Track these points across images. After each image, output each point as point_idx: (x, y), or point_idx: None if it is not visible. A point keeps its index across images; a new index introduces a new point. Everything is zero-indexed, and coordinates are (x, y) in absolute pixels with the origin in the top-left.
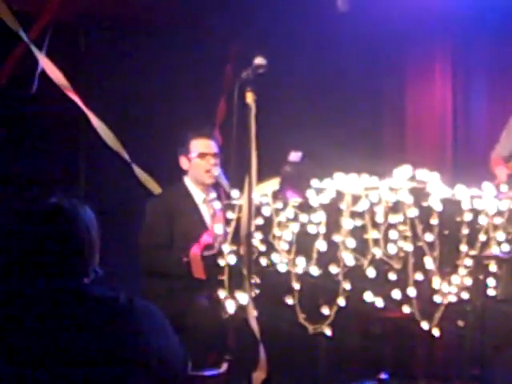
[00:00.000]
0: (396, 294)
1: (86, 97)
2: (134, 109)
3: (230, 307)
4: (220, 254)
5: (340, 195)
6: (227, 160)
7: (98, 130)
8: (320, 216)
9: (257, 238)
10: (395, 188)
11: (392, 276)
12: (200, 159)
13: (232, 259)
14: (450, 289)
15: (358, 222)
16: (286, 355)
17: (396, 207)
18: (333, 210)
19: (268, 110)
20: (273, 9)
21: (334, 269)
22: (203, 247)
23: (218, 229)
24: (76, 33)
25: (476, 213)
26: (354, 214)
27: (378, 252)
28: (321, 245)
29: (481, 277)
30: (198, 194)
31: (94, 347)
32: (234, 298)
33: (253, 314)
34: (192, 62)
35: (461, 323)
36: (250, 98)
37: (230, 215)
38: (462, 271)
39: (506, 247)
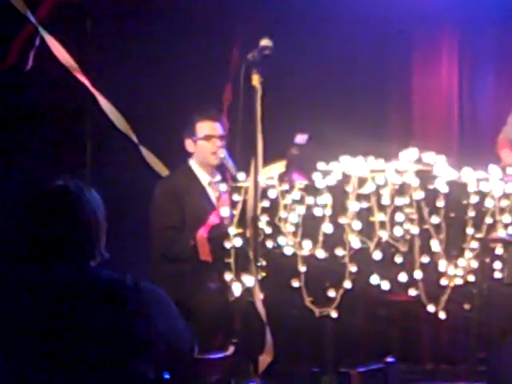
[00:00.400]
0: (402, 276)
1: (93, 78)
2: (140, 92)
3: (237, 290)
4: (226, 236)
5: (346, 178)
6: (233, 142)
7: (106, 111)
8: (326, 198)
9: (263, 220)
10: (401, 170)
11: (398, 259)
12: (206, 141)
13: (238, 242)
14: (456, 271)
15: (364, 205)
16: (293, 338)
17: (402, 190)
18: (339, 193)
19: (274, 92)
20: None
21: (340, 251)
22: (210, 228)
23: (224, 211)
24: (82, 15)
25: (482, 195)
26: (360, 197)
27: (384, 235)
28: (327, 227)
29: (487, 260)
30: (203, 176)
31: (101, 329)
32: (240, 280)
33: (259, 296)
34: (199, 45)
35: (467, 306)
36: (256, 80)
37: (236, 198)
38: (469, 254)
39: None
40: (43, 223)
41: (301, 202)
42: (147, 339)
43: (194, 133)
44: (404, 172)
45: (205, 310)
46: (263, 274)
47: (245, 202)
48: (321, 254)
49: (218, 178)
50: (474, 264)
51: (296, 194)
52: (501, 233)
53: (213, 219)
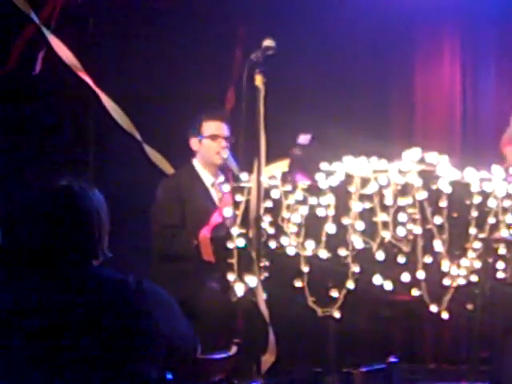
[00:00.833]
0: (405, 276)
1: (96, 77)
2: (143, 91)
3: (239, 290)
4: (229, 236)
5: (349, 178)
6: (236, 143)
7: (109, 110)
8: (329, 199)
9: (266, 220)
10: (404, 171)
11: (401, 259)
12: (211, 141)
13: (241, 242)
14: (459, 272)
15: (367, 205)
16: (295, 338)
17: (405, 190)
18: (342, 193)
19: (277, 93)
20: None
21: (343, 252)
22: (213, 228)
23: (227, 212)
24: (85, 15)
25: (485, 195)
26: (362, 197)
27: (386, 235)
28: (330, 228)
29: (490, 260)
30: (206, 176)
31: (103, 329)
32: (243, 280)
33: (262, 296)
34: (202, 44)
35: (470, 306)
36: (259, 80)
37: (239, 198)
38: (471, 254)
39: None
40: (46, 223)
41: (304, 202)
42: (150, 339)
43: (199, 131)
44: (407, 172)
45: (207, 310)
46: (266, 275)
47: (248, 202)
48: (324, 254)
49: (222, 178)
50: (477, 264)
51: (299, 195)
52: (504, 233)
53: (215, 218)
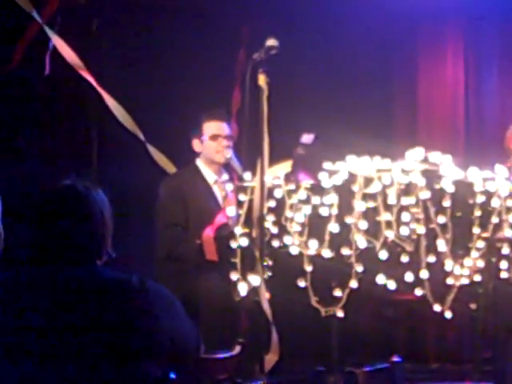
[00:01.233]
0: (408, 276)
1: (99, 77)
2: (146, 91)
3: (243, 289)
4: (232, 236)
5: (352, 177)
6: (240, 142)
7: (112, 110)
8: (332, 198)
9: (269, 220)
10: (407, 170)
11: (404, 258)
12: (212, 141)
13: (244, 241)
14: (462, 271)
15: (371, 204)
16: (299, 338)
17: (408, 189)
18: (345, 192)
19: (280, 92)
20: None
21: (346, 251)
22: (217, 228)
23: (231, 211)
24: (88, 14)
25: (489, 195)
26: (366, 196)
27: (390, 234)
28: (333, 227)
29: (493, 259)
30: (210, 176)
31: (107, 328)
32: (246, 280)
33: (265, 296)
34: (205, 45)
35: (473, 306)
36: (262, 80)
37: (243, 197)
38: (475, 253)
39: None
40: (50, 223)
41: (307, 201)
42: (153, 339)
43: (201, 132)
44: (410, 172)
45: (211, 309)
46: (269, 274)
47: (251, 201)
48: (327, 253)
49: (226, 177)
50: (480, 263)
51: (302, 194)
52: (507, 232)
53: (220, 219)
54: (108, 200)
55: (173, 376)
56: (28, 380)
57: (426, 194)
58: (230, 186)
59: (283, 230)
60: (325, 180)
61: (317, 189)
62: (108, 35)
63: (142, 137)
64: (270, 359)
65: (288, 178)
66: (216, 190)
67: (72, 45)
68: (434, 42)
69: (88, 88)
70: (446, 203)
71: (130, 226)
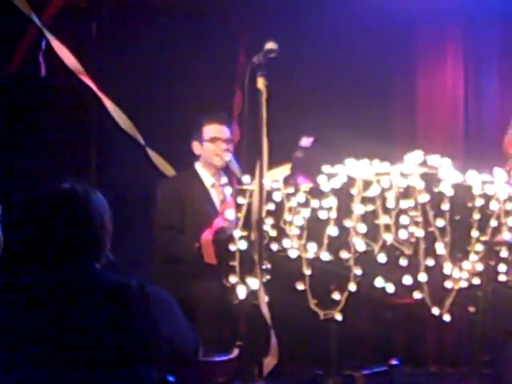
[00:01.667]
0: (407, 279)
1: (99, 81)
2: (146, 95)
3: (241, 293)
4: (231, 239)
5: (351, 180)
6: (240, 146)
7: (112, 113)
8: (331, 201)
9: (268, 223)
10: (406, 173)
11: (403, 262)
12: (211, 143)
13: (243, 245)
14: (461, 274)
15: (369, 208)
16: (297, 341)
17: (407, 192)
18: (344, 196)
19: (279, 95)
20: None
21: (344, 254)
22: (215, 231)
23: (230, 214)
24: (88, 17)
25: (487, 198)
26: (365, 200)
27: (389, 237)
28: (332, 230)
29: (492, 262)
30: (208, 178)
31: (105, 331)
32: (245, 283)
33: (264, 299)
34: (205, 48)
35: (472, 309)
36: (261, 83)
37: (241, 201)
38: (473, 257)
39: None
40: (50, 226)
41: (306, 204)
42: (152, 342)
43: (201, 135)
44: (409, 175)
45: (209, 313)
46: (268, 277)
47: (250, 204)
48: (326, 256)
49: (224, 180)
50: (479, 267)
51: (301, 197)
52: (506, 235)
53: (219, 222)
54: (107, 203)
55: (171, 379)
56: (24, 381)
57: (424, 198)
58: (228, 190)
59: (282, 234)
60: (324, 183)
61: (316, 192)
62: (107, 39)
63: (141, 140)
64: (269, 362)
65: (287, 181)
66: (213, 193)
67: (71, 48)
68: (434, 45)
69: (87, 92)
70: (445, 206)
71: (129, 229)
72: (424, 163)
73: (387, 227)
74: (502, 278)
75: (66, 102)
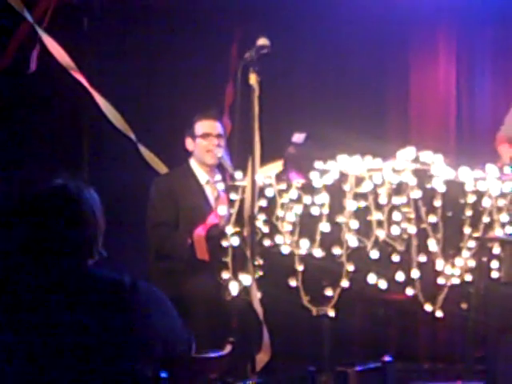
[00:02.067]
0: (399, 275)
1: (90, 78)
2: (138, 91)
3: (234, 289)
4: (223, 235)
5: (343, 177)
6: (232, 141)
7: (104, 110)
8: (323, 197)
9: (260, 219)
10: (399, 170)
11: (395, 258)
12: (203, 139)
13: (235, 241)
14: (453, 271)
15: (362, 204)
16: (290, 337)
17: (399, 189)
18: (336, 192)
19: (271, 91)
20: None
21: (337, 250)
22: (209, 228)
23: (222, 210)
24: (79, 13)
25: (480, 195)
26: (357, 196)
27: (381, 234)
28: (324, 226)
29: (484, 259)
30: (202, 175)
31: (98, 328)
32: (237, 279)
33: (256, 295)
34: (198, 44)
35: (464, 305)
36: (253, 79)
37: (234, 197)
38: (466, 253)
39: (509, 229)
40: (42, 222)
41: (298, 200)
42: (144, 338)
43: (193, 131)
44: (401, 171)
45: (202, 309)
46: (260, 273)
47: (242, 200)
48: (318, 252)
49: (218, 177)
50: (472, 263)
51: (293, 193)
52: (498, 232)
53: (212, 219)
54: (99, 199)
55: (164, 375)
56: (18, 377)
57: (417, 194)
58: (221, 186)
59: (274, 230)
60: (316, 179)
61: (308, 188)
62: (99, 34)
63: (133, 137)
64: (261, 358)
65: (279, 177)
66: (208, 190)
67: (63, 44)
68: (426, 41)
69: (79, 88)
70: (437, 203)
71: (121, 225)
72: (416, 159)
73: (380, 223)
74: (495, 274)
75: (57, 97)
